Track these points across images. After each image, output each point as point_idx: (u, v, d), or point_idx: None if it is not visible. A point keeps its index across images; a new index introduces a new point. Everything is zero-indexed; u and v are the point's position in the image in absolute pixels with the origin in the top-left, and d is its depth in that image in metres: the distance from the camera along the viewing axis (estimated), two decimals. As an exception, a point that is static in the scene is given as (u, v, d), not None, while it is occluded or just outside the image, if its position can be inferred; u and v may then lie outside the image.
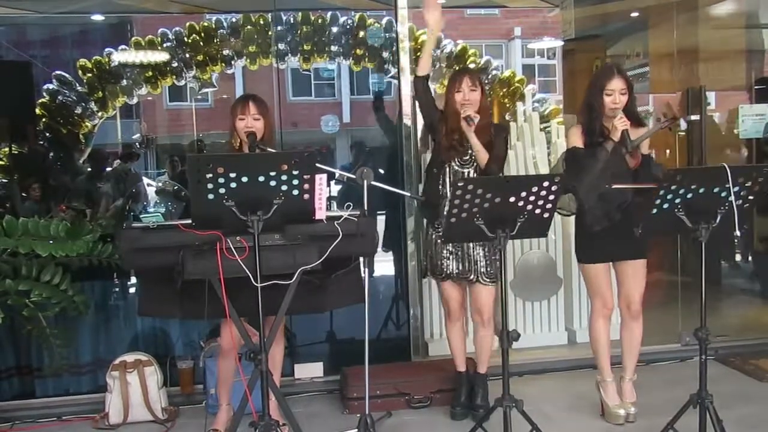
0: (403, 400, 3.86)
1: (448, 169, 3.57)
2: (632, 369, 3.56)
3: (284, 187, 2.61)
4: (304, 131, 8.20)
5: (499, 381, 2.93)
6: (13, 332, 4.03)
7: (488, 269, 3.55)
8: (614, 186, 3.27)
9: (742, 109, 5.15)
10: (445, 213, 3.50)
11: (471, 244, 3.54)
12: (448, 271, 3.60)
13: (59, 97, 5.39)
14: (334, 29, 5.35)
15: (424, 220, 3.83)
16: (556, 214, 3.11)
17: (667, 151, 6.11)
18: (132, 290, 4.59)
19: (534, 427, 2.96)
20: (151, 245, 2.78)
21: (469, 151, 3.54)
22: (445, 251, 3.60)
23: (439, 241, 3.60)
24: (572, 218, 3.61)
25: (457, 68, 5.42)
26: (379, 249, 3.57)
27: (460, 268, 3.58)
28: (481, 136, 3.49)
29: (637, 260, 3.44)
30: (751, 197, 2.85)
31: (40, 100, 5.33)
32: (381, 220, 4.71)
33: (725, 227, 2.82)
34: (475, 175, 3.55)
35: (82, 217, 4.32)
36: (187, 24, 5.42)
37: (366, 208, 3.19)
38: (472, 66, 5.75)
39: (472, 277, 3.57)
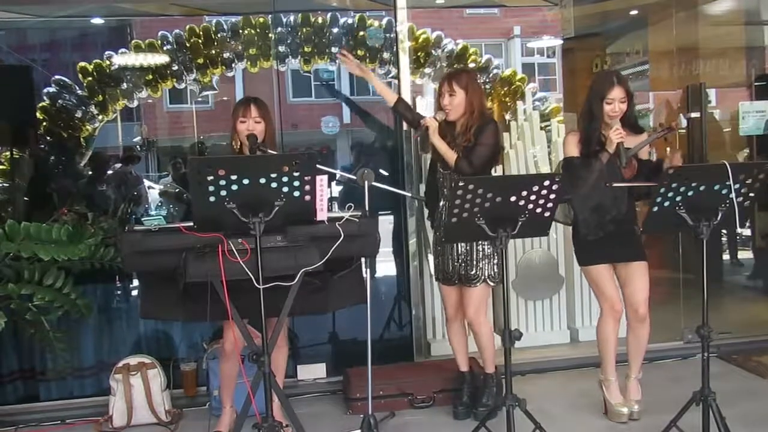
0: (405, 401, 3.87)
1: (440, 170, 3.61)
2: (638, 368, 3.57)
3: (285, 189, 2.61)
4: (304, 132, 8.20)
5: (502, 380, 2.94)
6: (16, 336, 4.04)
7: (468, 272, 3.55)
8: (615, 185, 3.28)
9: (743, 106, 5.15)
10: (439, 212, 3.55)
11: (454, 246, 3.55)
12: (440, 271, 3.66)
13: (59, 101, 5.39)
14: (334, 30, 5.36)
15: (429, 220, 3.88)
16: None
17: (668, 149, 6.10)
18: (134, 293, 4.59)
19: (537, 426, 2.96)
20: (153, 248, 2.79)
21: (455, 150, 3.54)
22: (436, 252, 3.67)
23: (434, 241, 3.67)
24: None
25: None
26: (383, 249, 3.59)
27: (446, 269, 3.62)
28: (462, 136, 3.50)
29: (638, 262, 3.43)
30: (752, 194, 2.86)
31: (40, 104, 5.33)
32: (383, 221, 4.71)
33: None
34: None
35: (84, 220, 4.32)
36: (187, 27, 5.42)
37: (367, 208, 3.20)
38: (472, 65, 5.76)
39: (455, 279, 3.60)
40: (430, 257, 4.22)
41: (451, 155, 3.48)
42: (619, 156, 3.21)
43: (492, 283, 3.59)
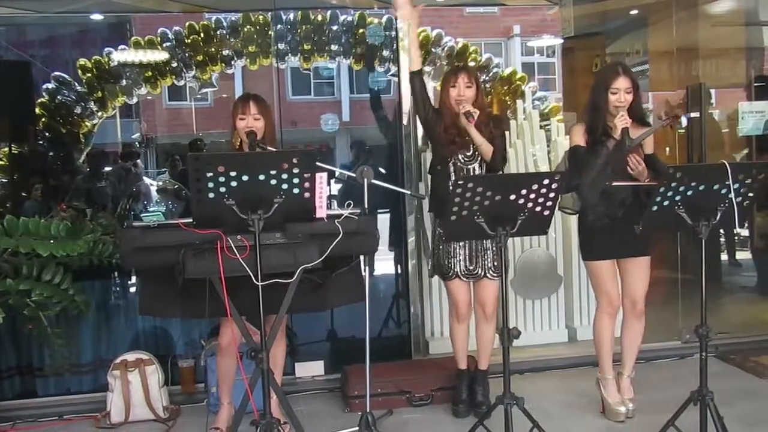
0: (404, 398, 3.87)
1: (452, 166, 3.57)
2: (631, 366, 3.58)
3: (285, 186, 2.61)
4: (303, 130, 8.20)
5: (500, 379, 2.94)
6: (14, 332, 4.03)
7: (495, 263, 3.55)
8: (615, 183, 3.28)
9: (743, 107, 5.15)
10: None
11: (480, 240, 3.54)
12: (457, 269, 3.60)
13: (59, 97, 5.39)
14: (334, 28, 5.35)
15: (430, 217, 3.85)
16: (558, 211, 3.11)
17: (667, 149, 6.11)
18: (133, 289, 4.59)
19: (535, 425, 2.96)
20: (152, 244, 2.78)
21: (472, 146, 3.54)
22: (453, 249, 3.59)
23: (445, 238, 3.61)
24: (574, 217, 3.62)
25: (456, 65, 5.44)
26: (383, 248, 3.58)
27: (470, 265, 3.59)
28: (481, 132, 3.50)
29: (641, 258, 3.45)
30: (751, 194, 2.86)
31: (39, 100, 5.33)
32: (384, 219, 4.71)
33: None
34: (480, 170, 3.55)
35: (83, 216, 4.32)
36: (187, 24, 5.42)
37: (366, 206, 3.20)
38: (472, 64, 5.76)
39: (479, 272, 3.58)
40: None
41: (487, 148, 3.48)
42: (624, 142, 3.21)
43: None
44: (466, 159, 3.56)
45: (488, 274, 3.58)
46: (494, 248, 3.54)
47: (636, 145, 3.28)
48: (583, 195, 3.39)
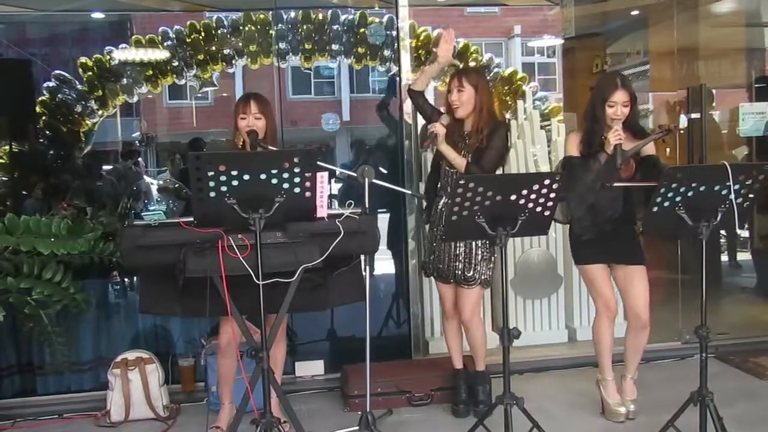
0: (403, 398, 3.87)
1: (441, 169, 3.61)
2: (634, 369, 3.57)
3: (286, 185, 2.61)
4: (304, 129, 8.20)
5: (500, 379, 2.94)
6: (14, 330, 4.03)
7: (465, 273, 3.53)
8: (616, 184, 3.28)
9: (743, 108, 5.15)
10: (439, 210, 3.55)
11: (452, 245, 3.53)
12: (433, 267, 3.65)
13: (59, 96, 5.39)
14: (335, 27, 5.36)
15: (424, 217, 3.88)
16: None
17: (668, 149, 6.11)
18: (133, 288, 4.59)
19: (535, 425, 2.96)
20: (153, 243, 2.78)
21: (462, 149, 3.53)
22: (432, 247, 3.65)
23: (430, 238, 3.67)
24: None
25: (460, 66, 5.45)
26: (382, 247, 3.59)
27: (440, 265, 3.61)
28: (474, 137, 3.49)
29: (635, 266, 3.42)
30: (751, 195, 2.86)
31: (40, 98, 5.33)
32: (384, 219, 4.72)
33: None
34: None
35: (84, 215, 4.32)
36: (188, 22, 5.42)
37: (367, 206, 3.20)
38: (473, 64, 5.75)
39: (449, 276, 3.59)
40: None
41: (460, 161, 3.45)
42: (615, 158, 3.21)
43: (486, 287, 3.61)
44: (449, 163, 3.55)
45: (460, 283, 3.57)
46: (465, 256, 3.51)
47: (627, 159, 3.27)
48: (571, 207, 3.38)
